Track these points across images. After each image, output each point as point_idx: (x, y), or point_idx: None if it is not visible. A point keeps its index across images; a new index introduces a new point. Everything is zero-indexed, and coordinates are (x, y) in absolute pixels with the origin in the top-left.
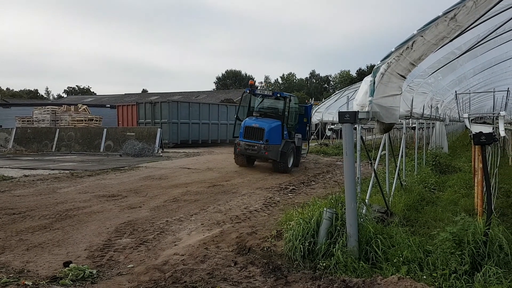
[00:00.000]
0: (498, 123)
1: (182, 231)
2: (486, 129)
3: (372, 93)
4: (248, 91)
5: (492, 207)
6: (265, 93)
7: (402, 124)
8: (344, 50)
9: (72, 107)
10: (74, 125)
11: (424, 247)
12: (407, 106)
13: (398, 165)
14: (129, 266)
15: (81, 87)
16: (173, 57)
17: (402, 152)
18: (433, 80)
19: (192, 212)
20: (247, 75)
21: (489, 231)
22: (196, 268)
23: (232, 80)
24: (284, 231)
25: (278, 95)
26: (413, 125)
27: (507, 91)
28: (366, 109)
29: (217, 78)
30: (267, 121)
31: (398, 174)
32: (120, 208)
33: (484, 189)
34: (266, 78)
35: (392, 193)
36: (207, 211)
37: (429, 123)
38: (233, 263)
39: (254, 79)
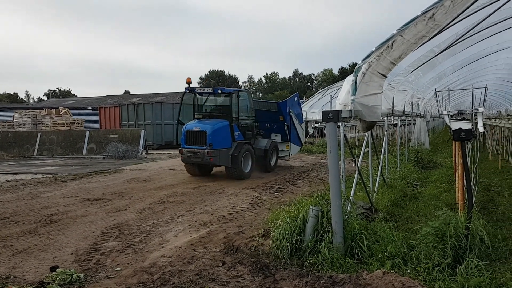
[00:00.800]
0: (477, 119)
1: (169, 232)
2: (465, 125)
3: (354, 92)
4: (188, 90)
5: (473, 201)
6: (205, 90)
7: (384, 121)
8: (327, 49)
9: (53, 110)
10: (56, 129)
11: (408, 241)
12: (389, 104)
13: (381, 162)
14: (116, 269)
15: (61, 89)
16: (155, 58)
17: (385, 149)
18: (413, 78)
19: (179, 213)
20: (231, 74)
21: (470, 225)
22: (184, 269)
23: (216, 80)
24: (271, 230)
25: (220, 91)
26: (395, 122)
27: (485, 87)
28: (349, 108)
29: (200, 78)
30: (211, 122)
31: (381, 170)
32: (105, 211)
33: (465, 183)
34: (250, 77)
35: (375, 190)
36: (193, 212)
37: (410, 120)
38: (221, 263)
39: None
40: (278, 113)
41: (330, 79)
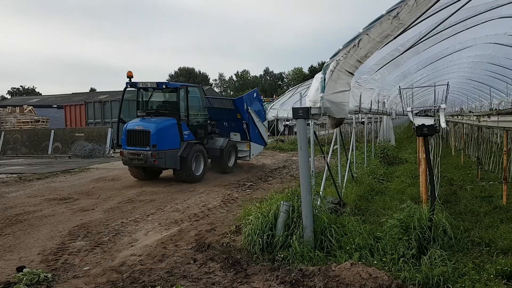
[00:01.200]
0: (439, 115)
1: (139, 231)
2: (428, 121)
3: (323, 89)
4: (129, 85)
5: (436, 194)
6: (148, 85)
7: (352, 119)
8: (297, 48)
9: (17, 109)
10: (20, 127)
11: (374, 234)
12: (356, 101)
13: (349, 158)
14: (85, 268)
15: (25, 87)
16: (122, 55)
17: (353, 146)
18: (379, 76)
19: (149, 212)
20: (201, 72)
21: (433, 217)
22: (155, 268)
23: (186, 78)
24: (242, 226)
25: (164, 86)
26: (363, 120)
27: (447, 85)
28: (318, 105)
29: (169, 76)
30: (156, 120)
31: (350, 166)
32: (72, 211)
33: (428, 177)
34: (221, 75)
35: (344, 185)
36: (164, 211)
37: (377, 118)
38: (192, 260)
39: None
40: (235, 110)
41: (301, 77)
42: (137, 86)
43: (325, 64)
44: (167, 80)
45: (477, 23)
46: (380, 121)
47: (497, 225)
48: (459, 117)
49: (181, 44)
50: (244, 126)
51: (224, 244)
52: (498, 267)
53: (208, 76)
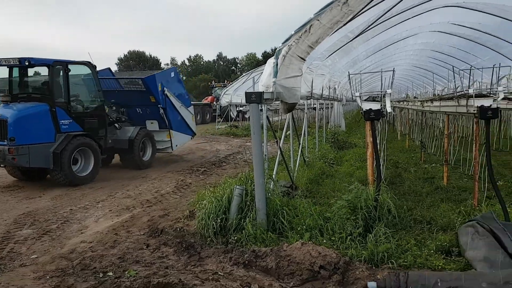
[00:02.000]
0: (385, 100)
1: (89, 218)
2: (375, 106)
3: (275, 74)
4: None
5: (382, 176)
6: (11, 62)
7: (304, 104)
8: (251, 33)
9: None
10: None
11: (324, 215)
12: (308, 87)
13: (301, 143)
14: (32, 257)
15: None
16: (66, 38)
17: (305, 131)
18: (330, 62)
19: (99, 199)
20: (153, 56)
21: (379, 197)
22: (106, 254)
23: (136, 62)
24: (196, 211)
25: (27, 62)
26: (314, 106)
27: (393, 71)
28: (271, 90)
29: (119, 59)
30: (20, 107)
31: (302, 151)
32: (17, 199)
33: (374, 160)
34: (173, 59)
35: (296, 169)
36: (115, 197)
37: (328, 104)
38: (145, 245)
39: (158, 59)
40: (147, 92)
41: (254, 63)
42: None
43: (277, 49)
44: (116, 64)
45: (423, 11)
46: (331, 107)
47: (438, 204)
48: (405, 102)
49: (132, 27)
50: (161, 111)
51: (178, 229)
52: (437, 243)
53: (160, 60)
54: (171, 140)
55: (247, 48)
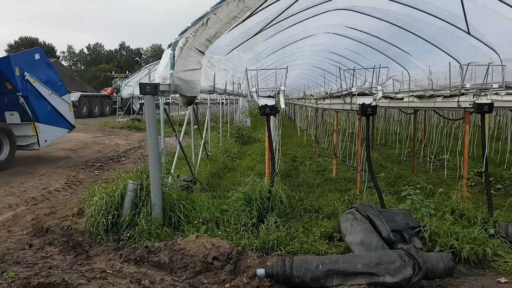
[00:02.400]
0: (279, 97)
1: None
2: (270, 102)
3: (172, 66)
4: None
5: (275, 168)
6: None
7: (207, 99)
8: (157, 24)
9: None
10: None
11: (221, 207)
12: (210, 82)
13: (204, 137)
14: None
15: None
16: None
17: (208, 125)
18: (233, 58)
19: None
20: (47, 43)
21: (272, 189)
22: None
23: (28, 48)
24: (86, 208)
25: None
26: (222, 101)
27: (286, 68)
28: (168, 82)
29: (8, 46)
30: None
31: (204, 145)
32: None
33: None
34: (69, 47)
35: (198, 163)
36: None
37: (233, 99)
38: (27, 245)
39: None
40: (1, 78)
41: (160, 54)
42: None
43: (174, 41)
44: (5, 50)
45: (318, 13)
46: (237, 103)
47: (326, 194)
48: (303, 100)
49: (24, 12)
50: (21, 100)
51: (65, 228)
52: (322, 229)
53: (55, 48)
54: (37, 134)
55: (152, 39)
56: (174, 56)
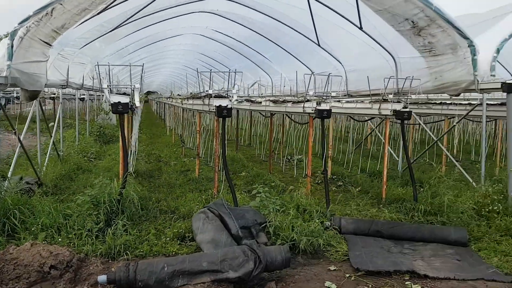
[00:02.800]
0: (134, 94)
1: None
2: (124, 99)
3: (10, 57)
4: None
5: (130, 168)
6: None
7: (59, 93)
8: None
9: None
10: None
11: (65, 212)
12: (62, 75)
13: (53, 135)
14: None
15: None
16: None
17: (59, 122)
18: (91, 52)
19: None
20: None
21: (123, 190)
22: None
23: None
24: None
25: None
26: (82, 96)
27: (142, 66)
28: (4, 74)
29: None
30: None
31: (54, 144)
32: None
33: (124, 153)
34: None
35: (45, 164)
36: None
37: (99, 95)
38: None
39: None
40: None
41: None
42: None
43: (13, 30)
44: None
45: (183, 13)
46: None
47: (186, 194)
48: (169, 99)
49: None
50: None
51: None
52: (175, 230)
53: None
54: None
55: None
56: (12, 46)
